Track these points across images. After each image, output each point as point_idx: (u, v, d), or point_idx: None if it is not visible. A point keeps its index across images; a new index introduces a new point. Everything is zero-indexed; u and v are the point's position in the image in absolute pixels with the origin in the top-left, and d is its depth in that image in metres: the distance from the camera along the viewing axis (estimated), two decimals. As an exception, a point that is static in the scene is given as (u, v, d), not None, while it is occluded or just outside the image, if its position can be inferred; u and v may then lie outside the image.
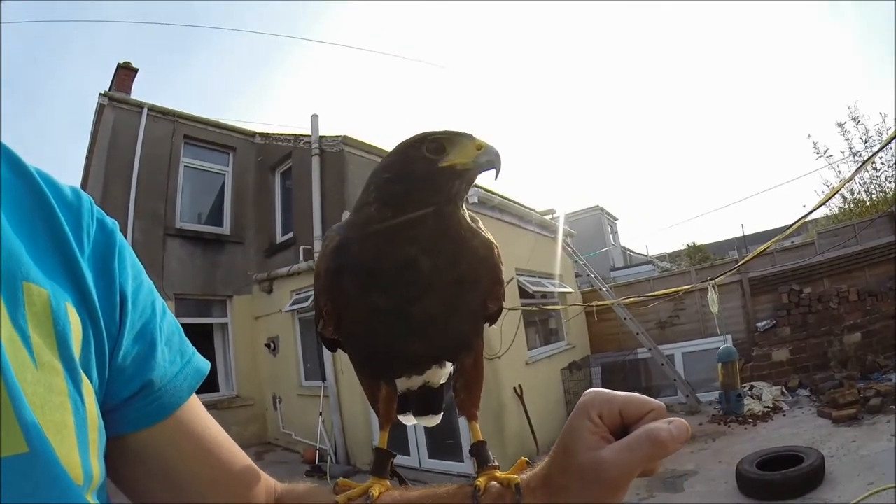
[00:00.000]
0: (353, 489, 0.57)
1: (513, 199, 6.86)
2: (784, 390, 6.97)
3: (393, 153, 0.55)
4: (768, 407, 6.50)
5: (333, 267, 0.56)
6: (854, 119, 11.21)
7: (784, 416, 6.26)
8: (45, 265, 0.41)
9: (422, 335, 0.56)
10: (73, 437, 0.38)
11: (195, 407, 0.54)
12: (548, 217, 8.18)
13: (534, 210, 7.58)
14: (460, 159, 0.52)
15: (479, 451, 0.58)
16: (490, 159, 0.52)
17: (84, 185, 8.26)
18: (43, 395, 0.37)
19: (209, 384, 7.94)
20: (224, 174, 8.90)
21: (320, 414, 6.90)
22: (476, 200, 5.87)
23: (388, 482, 0.59)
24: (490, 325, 0.63)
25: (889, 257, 7.61)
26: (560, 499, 0.48)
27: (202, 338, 7.96)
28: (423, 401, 0.69)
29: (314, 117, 7.53)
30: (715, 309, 6.01)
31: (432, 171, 0.52)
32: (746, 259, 6.36)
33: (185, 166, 8.40)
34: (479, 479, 0.54)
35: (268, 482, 0.60)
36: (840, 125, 11.38)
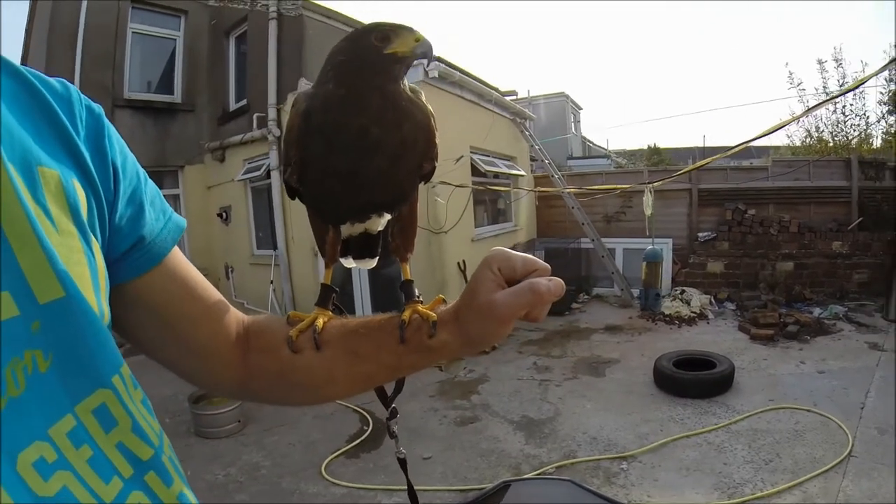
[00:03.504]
0: (303, 321, 0.69)
1: (474, 75, 6.71)
2: (713, 300, 7.37)
3: (346, 39, 0.64)
4: (695, 312, 6.88)
5: (303, 126, 0.65)
6: (836, 60, 10.87)
7: (708, 323, 6.66)
8: (51, 150, 0.47)
9: (370, 187, 0.66)
10: (90, 284, 0.46)
11: (178, 256, 0.63)
12: (509, 98, 8.07)
13: (495, 90, 7.44)
14: (401, 48, 0.61)
15: (406, 287, 0.71)
16: (424, 51, 0.62)
17: (25, 58, 7.68)
18: (66, 254, 0.44)
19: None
20: (175, 39, 8.29)
21: (271, 282, 6.99)
22: (436, 75, 5.69)
23: (330, 312, 0.71)
24: (424, 183, 0.73)
25: (835, 200, 7.89)
26: (464, 328, 0.62)
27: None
28: (362, 246, 0.81)
29: (274, -21, 7.03)
30: (648, 211, 6.23)
31: (378, 56, 0.61)
32: (686, 169, 6.53)
33: (132, 33, 7.79)
34: (405, 312, 0.66)
35: (237, 314, 0.71)
36: (820, 63, 11.07)
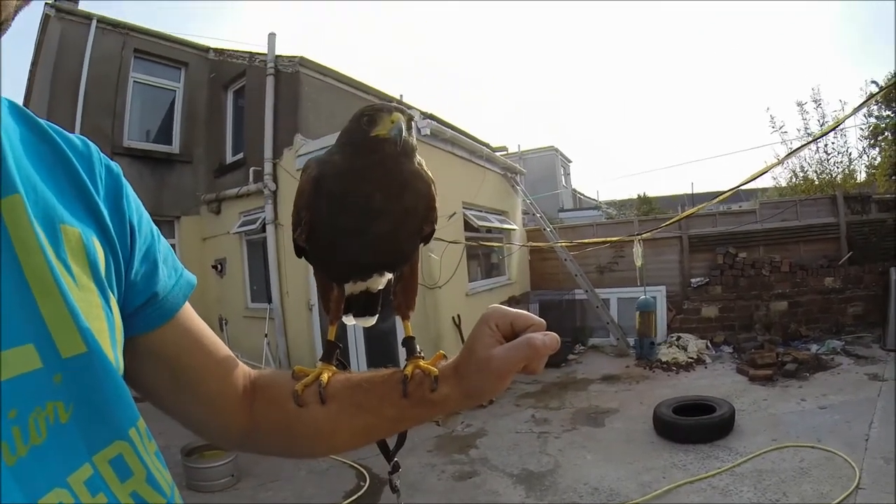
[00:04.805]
0: (308, 376, 0.71)
1: (465, 131, 6.87)
2: (709, 344, 7.37)
3: (350, 121, 0.70)
4: (692, 358, 6.87)
5: (313, 191, 0.70)
6: (815, 101, 11.32)
7: (705, 367, 6.64)
8: (72, 209, 0.50)
9: (374, 248, 0.71)
10: (108, 339, 0.49)
11: (188, 311, 0.67)
12: (500, 154, 8.24)
13: (486, 146, 7.59)
14: (382, 131, 0.67)
15: (408, 343, 0.75)
16: (395, 132, 0.67)
17: (27, 101, 7.79)
18: (86, 309, 0.46)
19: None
20: (175, 90, 8.51)
21: (265, 336, 6.93)
22: (428, 133, 5.83)
23: (334, 367, 0.74)
24: (424, 244, 0.78)
25: (824, 237, 8.04)
26: (464, 383, 0.65)
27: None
28: (363, 304, 0.84)
29: (271, 36, 7.25)
30: (639, 262, 6.31)
31: (366, 138, 0.67)
32: (674, 219, 6.66)
33: (134, 82, 8.00)
34: (408, 367, 0.70)
35: (244, 368, 0.74)
36: (800, 105, 11.49)
